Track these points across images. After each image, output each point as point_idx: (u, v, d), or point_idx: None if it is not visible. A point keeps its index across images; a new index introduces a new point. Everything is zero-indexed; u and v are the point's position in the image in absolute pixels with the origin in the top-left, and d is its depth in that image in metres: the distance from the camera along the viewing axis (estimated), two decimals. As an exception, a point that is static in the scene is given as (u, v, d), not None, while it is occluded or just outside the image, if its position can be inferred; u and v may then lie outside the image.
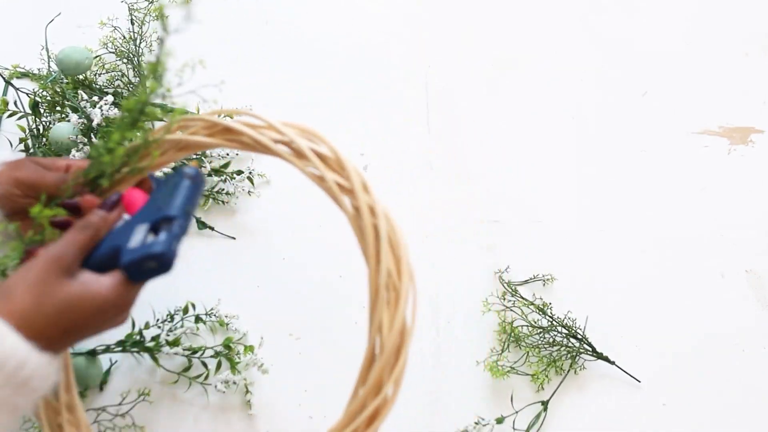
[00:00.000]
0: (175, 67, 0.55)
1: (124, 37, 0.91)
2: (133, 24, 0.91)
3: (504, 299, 0.80)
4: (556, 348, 0.77)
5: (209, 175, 0.84)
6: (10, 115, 0.83)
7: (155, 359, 0.74)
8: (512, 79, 0.94)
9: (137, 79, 0.89)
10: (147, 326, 0.75)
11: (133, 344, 0.74)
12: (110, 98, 0.81)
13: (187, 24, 0.50)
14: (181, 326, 0.76)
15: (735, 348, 0.80)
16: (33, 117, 0.83)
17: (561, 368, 0.77)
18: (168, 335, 0.75)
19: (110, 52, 0.90)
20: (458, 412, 0.75)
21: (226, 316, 0.77)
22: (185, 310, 0.76)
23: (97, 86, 0.88)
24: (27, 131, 0.83)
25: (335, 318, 0.79)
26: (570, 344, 0.77)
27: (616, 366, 0.77)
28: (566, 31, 0.98)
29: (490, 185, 0.87)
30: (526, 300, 0.79)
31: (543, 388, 0.76)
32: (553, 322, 0.78)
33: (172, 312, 0.76)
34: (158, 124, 0.62)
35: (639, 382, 0.77)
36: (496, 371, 0.75)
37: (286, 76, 0.92)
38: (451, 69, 0.94)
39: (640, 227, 0.85)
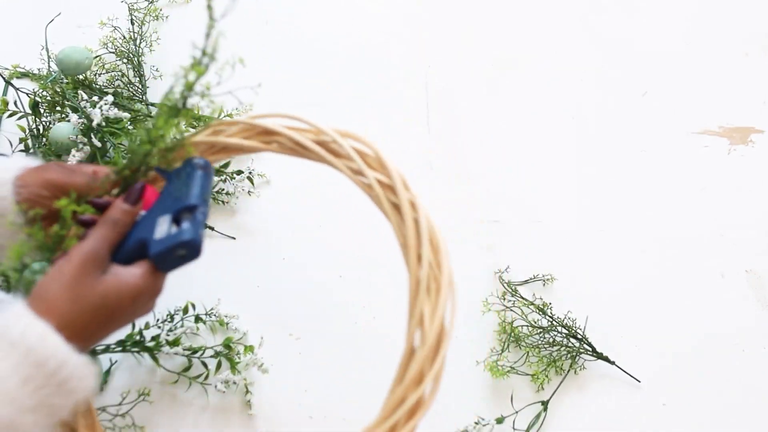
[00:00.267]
0: (214, 66, 0.55)
1: (124, 37, 0.91)
2: (133, 24, 0.91)
3: (504, 299, 0.80)
4: (556, 348, 0.77)
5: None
6: (10, 115, 0.83)
7: (155, 359, 0.74)
8: (512, 79, 0.94)
9: (137, 78, 0.89)
10: (147, 326, 0.75)
11: (133, 344, 0.74)
12: (110, 98, 0.81)
13: (233, 5, 0.51)
14: (181, 326, 0.76)
15: (735, 348, 0.79)
16: (33, 117, 0.83)
17: (561, 368, 0.77)
18: (168, 335, 0.75)
19: (110, 52, 0.91)
20: (458, 412, 0.75)
21: (225, 316, 0.77)
22: (185, 310, 0.76)
23: (97, 86, 0.88)
24: (27, 131, 0.83)
25: (335, 318, 0.79)
26: (570, 344, 0.77)
27: (616, 366, 0.77)
28: (566, 31, 0.98)
29: (490, 185, 0.87)
30: (526, 300, 0.79)
31: (543, 388, 0.76)
32: (553, 322, 0.78)
33: (172, 312, 0.76)
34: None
35: (639, 382, 0.77)
36: (496, 371, 0.75)
37: (286, 76, 0.92)
38: (451, 69, 0.94)
39: (640, 227, 0.85)
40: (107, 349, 0.73)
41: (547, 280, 0.81)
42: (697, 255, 0.84)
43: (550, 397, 0.76)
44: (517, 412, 0.75)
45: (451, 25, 0.97)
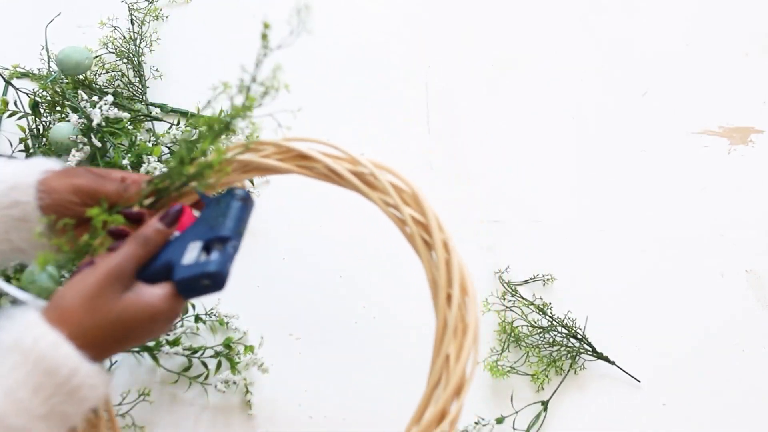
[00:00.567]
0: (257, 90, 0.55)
1: (124, 37, 0.91)
2: (133, 24, 0.91)
3: (504, 299, 0.80)
4: (556, 348, 0.77)
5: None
6: (10, 115, 0.83)
7: (155, 359, 0.74)
8: (512, 79, 0.94)
9: (137, 78, 0.89)
10: (147, 326, 0.75)
11: (133, 344, 0.74)
12: (110, 98, 0.81)
13: (297, 36, 0.52)
14: (181, 326, 0.76)
15: (735, 348, 0.79)
16: (33, 117, 0.83)
17: (561, 368, 0.77)
18: (168, 335, 0.75)
19: (110, 52, 0.90)
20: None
21: (225, 316, 0.77)
22: (185, 310, 0.76)
23: (97, 86, 0.88)
24: (27, 131, 0.83)
25: (335, 318, 0.79)
26: (570, 344, 0.77)
27: (616, 366, 0.77)
28: (566, 31, 0.98)
29: (490, 185, 0.87)
30: (526, 300, 0.79)
31: (543, 388, 0.76)
32: (553, 322, 0.78)
33: (172, 312, 0.76)
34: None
35: (639, 382, 0.77)
36: (496, 371, 0.75)
37: (286, 76, 0.92)
38: (451, 69, 0.94)
39: (640, 227, 0.85)
40: (107, 349, 0.73)
41: (547, 280, 0.81)
42: (697, 255, 0.84)
43: (550, 397, 0.76)
44: (517, 412, 0.75)
45: (451, 25, 0.97)
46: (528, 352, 0.77)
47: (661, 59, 0.96)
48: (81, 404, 0.50)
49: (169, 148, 0.83)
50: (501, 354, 0.77)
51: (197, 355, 0.74)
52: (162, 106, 0.88)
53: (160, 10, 0.94)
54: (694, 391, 0.77)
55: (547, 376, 0.76)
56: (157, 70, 0.91)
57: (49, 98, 0.83)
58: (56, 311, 0.50)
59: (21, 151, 0.83)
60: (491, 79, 0.94)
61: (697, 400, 0.77)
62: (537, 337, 0.77)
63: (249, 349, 0.76)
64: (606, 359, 0.77)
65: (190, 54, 0.93)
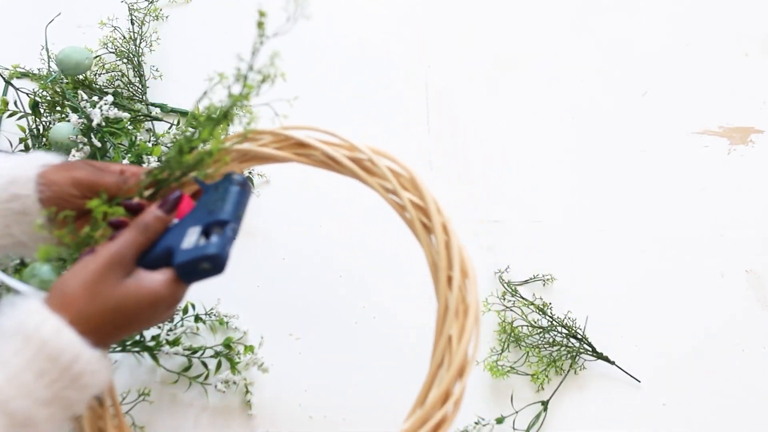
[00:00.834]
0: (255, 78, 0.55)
1: (124, 37, 0.91)
2: (133, 24, 0.91)
3: (504, 299, 0.80)
4: (556, 348, 0.77)
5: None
6: (10, 115, 0.83)
7: (155, 359, 0.74)
8: (512, 79, 0.94)
9: (137, 78, 0.89)
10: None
11: (133, 344, 0.74)
12: (110, 98, 0.81)
13: (294, 22, 0.52)
14: (181, 326, 0.76)
15: (735, 348, 0.79)
16: (33, 117, 0.83)
17: (561, 368, 0.77)
18: (168, 335, 0.75)
19: (110, 52, 0.90)
20: (458, 412, 0.75)
21: (225, 316, 0.77)
22: (185, 310, 0.76)
23: (97, 86, 0.88)
24: (27, 131, 0.83)
25: (335, 318, 0.79)
26: (570, 344, 0.77)
27: (616, 366, 0.77)
28: (566, 31, 0.98)
29: (490, 185, 0.87)
30: (526, 300, 0.79)
31: (543, 388, 0.76)
32: (553, 322, 0.78)
33: (172, 312, 0.76)
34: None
35: (639, 382, 0.77)
36: (496, 371, 0.75)
37: (287, 76, 0.92)
38: (451, 69, 0.94)
39: (640, 227, 0.85)
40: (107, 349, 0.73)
41: (547, 280, 0.81)
42: (697, 255, 0.84)
43: (550, 397, 0.76)
44: (517, 412, 0.75)
45: (451, 25, 0.97)
46: (528, 352, 0.77)
47: (661, 59, 0.96)
48: (83, 390, 0.50)
49: (168, 147, 0.83)
50: (501, 354, 0.77)
51: (197, 355, 0.74)
52: (162, 106, 0.88)
53: (160, 10, 0.94)
54: (694, 391, 0.77)
55: (547, 376, 0.76)
56: (157, 70, 0.91)
57: (49, 98, 0.83)
58: (58, 297, 0.51)
59: (21, 151, 0.83)
60: (491, 79, 0.94)
61: (697, 400, 0.77)
62: (537, 337, 0.77)
63: (249, 349, 0.76)
64: (606, 359, 0.77)
65: (190, 54, 0.93)
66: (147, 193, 0.60)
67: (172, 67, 0.91)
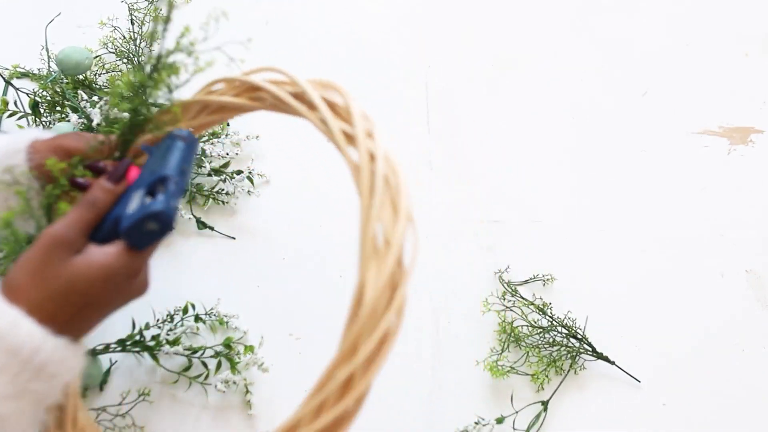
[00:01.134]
0: (200, 21, 0.54)
1: (124, 37, 0.91)
2: (133, 24, 0.91)
3: (504, 299, 0.80)
4: (556, 348, 0.77)
5: (209, 174, 0.84)
6: (10, 115, 0.83)
7: (155, 359, 0.74)
8: (512, 79, 0.94)
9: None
10: (147, 326, 0.75)
11: (133, 344, 0.74)
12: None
13: None
14: (181, 326, 0.76)
15: (735, 348, 0.79)
16: (33, 117, 0.83)
17: (561, 368, 0.77)
18: (168, 335, 0.75)
19: (110, 52, 0.91)
20: (458, 412, 0.75)
21: (225, 316, 0.77)
22: (185, 311, 0.76)
23: (97, 86, 0.88)
24: (27, 131, 0.83)
25: (335, 318, 0.79)
26: (570, 344, 0.77)
27: (616, 366, 0.77)
28: (566, 31, 0.98)
29: (490, 185, 0.87)
30: (526, 300, 0.79)
31: (543, 388, 0.76)
32: (553, 322, 0.78)
33: (172, 312, 0.76)
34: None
35: (639, 382, 0.77)
36: (496, 371, 0.75)
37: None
38: (451, 69, 0.94)
39: (640, 227, 0.85)
40: (107, 349, 0.73)
41: (547, 280, 0.81)
42: (697, 255, 0.84)
43: (550, 397, 0.76)
44: (517, 412, 0.75)
45: (451, 25, 0.97)
46: (528, 352, 0.77)
47: (661, 59, 0.96)
48: (52, 380, 0.49)
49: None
50: (501, 354, 0.77)
51: (197, 355, 0.74)
52: (162, 106, 0.88)
53: (160, 10, 0.93)
54: (694, 391, 0.77)
55: (547, 376, 0.76)
56: (157, 70, 0.91)
57: (49, 98, 0.83)
58: (8, 290, 0.49)
59: (21, 151, 0.83)
60: (491, 79, 0.94)
61: (697, 400, 0.77)
62: (537, 337, 0.77)
63: (249, 349, 0.76)
64: (606, 359, 0.77)
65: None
66: (116, 154, 0.60)
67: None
